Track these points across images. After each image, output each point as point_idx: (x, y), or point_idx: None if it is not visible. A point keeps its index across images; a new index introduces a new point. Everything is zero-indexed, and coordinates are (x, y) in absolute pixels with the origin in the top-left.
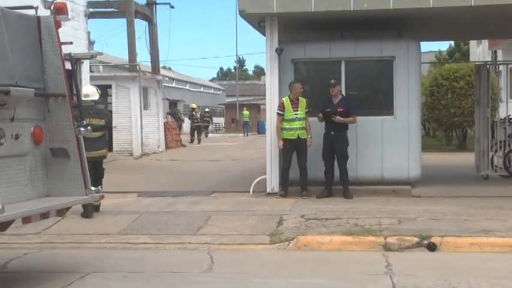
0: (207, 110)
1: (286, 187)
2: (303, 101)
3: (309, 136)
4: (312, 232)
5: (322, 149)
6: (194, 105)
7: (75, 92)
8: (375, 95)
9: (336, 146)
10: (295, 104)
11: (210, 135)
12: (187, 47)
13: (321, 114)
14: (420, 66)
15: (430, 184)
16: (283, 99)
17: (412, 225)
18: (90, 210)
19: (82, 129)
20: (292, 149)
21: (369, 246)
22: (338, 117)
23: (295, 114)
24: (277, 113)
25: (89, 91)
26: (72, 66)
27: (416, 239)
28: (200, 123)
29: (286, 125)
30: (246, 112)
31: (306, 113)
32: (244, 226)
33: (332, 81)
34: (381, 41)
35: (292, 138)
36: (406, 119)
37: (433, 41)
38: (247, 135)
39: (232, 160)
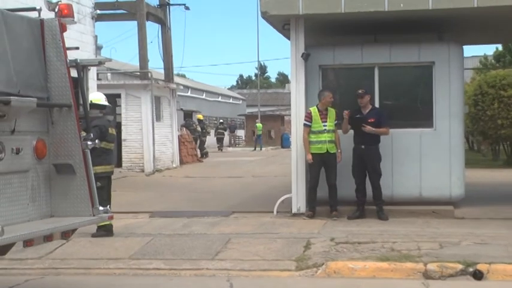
0: (221, 121)
1: (313, 207)
2: (332, 112)
3: (339, 151)
4: (343, 257)
5: (352, 165)
6: (200, 116)
7: (81, 101)
8: (413, 105)
9: (368, 161)
10: (323, 115)
11: (229, 149)
12: (203, 52)
13: (344, 124)
14: (463, 72)
15: (475, 204)
16: (311, 109)
17: (455, 250)
18: (108, 228)
19: (89, 142)
20: (320, 165)
21: (406, 274)
22: (369, 126)
23: (324, 125)
24: (304, 124)
25: (98, 96)
26: (78, 73)
27: (460, 266)
28: (198, 136)
29: (313, 138)
30: (259, 125)
31: (335, 125)
32: (268, 250)
33: (360, 91)
34: (419, 44)
35: (320, 152)
36: (447, 131)
37: (478, 45)
38: (260, 149)
39: (253, 177)
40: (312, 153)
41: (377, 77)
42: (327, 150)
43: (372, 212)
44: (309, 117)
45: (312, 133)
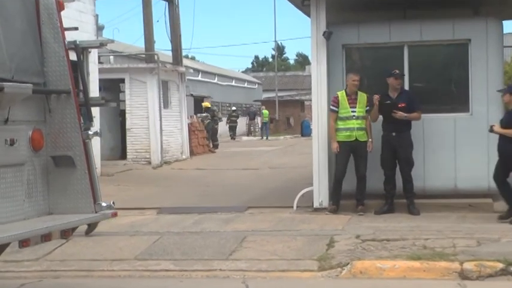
0: (234, 108)
1: (338, 201)
2: (363, 97)
3: (370, 140)
4: (370, 256)
5: (381, 154)
6: (207, 104)
7: (81, 87)
8: (446, 88)
9: (399, 150)
10: (352, 100)
11: (244, 138)
12: (215, 32)
13: (375, 111)
14: (502, 51)
15: None
16: (338, 93)
17: (494, 247)
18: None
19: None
20: (348, 154)
21: (441, 274)
22: (400, 112)
23: (352, 111)
24: (331, 109)
25: None
26: (77, 56)
27: (500, 265)
28: (210, 123)
29: (340, 125)
30: (265, 111)
31: (366, 111)
32: (287, 249)
33: (397, 71)
34: (453, 20)
35: (348, 140)
36: (485, 116)
37: None
38: (266, 138)
39: (270, 168)
40: (339, 142)
41: (406, 57)
42: (356, 138)
43: (401, 206)
44: (335, 101)
45: (339, 119)
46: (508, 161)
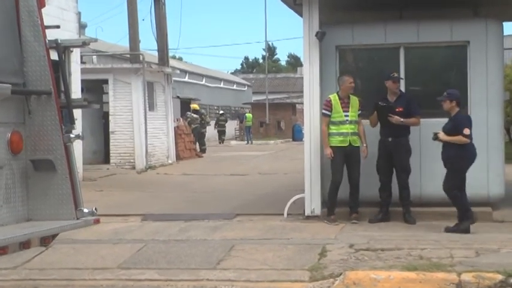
0: (221, 112)
1: (334, 209)
2: (354, 100)
3: (364, 145)
4: (364, 266)
5: (377, 160)
6: (196, 106)
7: (63, 88)
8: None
9: (395, 156)
10: (345, 103)
11: (232, 142)
12: (203, 32)
13: (374, 116)
14: (503, 53)
15: None
16: (331, 96)
17: (494, 258)
18: None
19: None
20: (342, 160)
21: (438, 285)
22: (396, 117)
23: (345, 115)
24: (323, 113)
25: None
26: (59, 56)
27: (499, 277)
28: (197, 127)
29: (333, 129)
30: (249, 115)
31: (358, 115)
32: (278, 258)
33: (396, 74)
34: (452, 21)
35: (342, 145)
36: (484, 121)
37: None
38: (251, 143)
39: (260, 174)
40: (333, 147)
41: (403, 59)
42: (350, 143)
43: (397, 214)
44: (328, 105)
45: (331, 124)
46: (454, 168)
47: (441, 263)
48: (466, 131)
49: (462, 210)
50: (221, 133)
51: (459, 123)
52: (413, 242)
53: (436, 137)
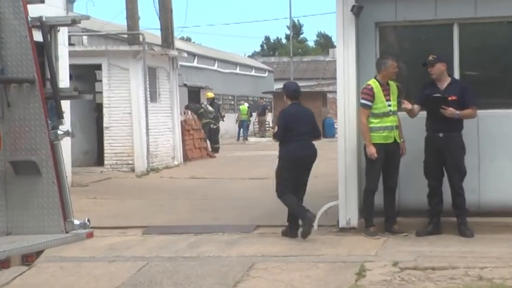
0: (246, 104)
1: (372, 219)
2: (394, 87)
3: (402, 140)
4: None
5: (425, 160)
6: (211, 94)
7: (48, 75)
8: (507, 77)
9: (447, 155)
10: (386, 91)
11: (252, 139)
12: (214, 7)
13: (411, 106)
14: None
15: None
16: (371, 83)
17: None
18: None
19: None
20: (382, 160)
21: None
22: (451, 108)
23: (388, 105)
24: (363, 105)
25: None
26: (43, 36)
27: None
28: (210, 121)
29: (376, 123)
30: (243, 107)
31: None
32: (307, 279)
33: (431, 57)
34: None
35: (386, 142)
36: None
37: None
38: (244, 139)
39: None
40: (375, 144)
41: (457, 39)
42: (395, 140)
43: (450, 225)
44: (369, 94)
45: (373, 116)
46: None
47: (505, 285)
48: None
49: None
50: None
51: None
52: (471, 260)
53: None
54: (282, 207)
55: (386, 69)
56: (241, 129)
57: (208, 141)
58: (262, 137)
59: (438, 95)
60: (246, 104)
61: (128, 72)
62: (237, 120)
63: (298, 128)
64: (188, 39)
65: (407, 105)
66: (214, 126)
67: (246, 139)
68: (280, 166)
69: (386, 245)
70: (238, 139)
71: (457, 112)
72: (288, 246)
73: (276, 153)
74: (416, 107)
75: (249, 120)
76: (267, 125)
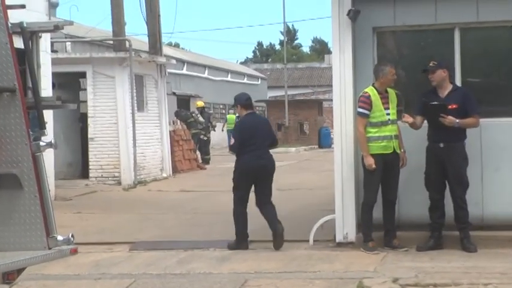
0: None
1: (371, 233)
2: (393, 94)
3: (402, 150)
4: None
5: (425, 171)
6: (201, 103)
7: (30, 84)
8: (511, 84)
9: (449, 165)
10: (385, 99)
11: None
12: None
13: (412, 120)
14: None
15: None
16: (368, 90)
17: None
18: None
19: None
20: (381, 172)
21: None
22: (450, 117)
23: (387, 113)
24: (360, 113)
25: None
26: (24, 43)
27: None
28: (200, 132)
29: (374, 132)
30: (231, 116)
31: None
32: None
33: (431, 63)
34: None
35: (385, 152)
36: None
37: None
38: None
39: (279, 190)
40: (373, 155)
41: (458, 44)
42: (394, 150)
43: (452, 239)
44: (367, 102)
45: (371, 125)
46: None
47: None
48: None
49: None
50: None
51: None
52: (475, 276)
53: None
54: None
55: (384, 76)
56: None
57: (198, 153)
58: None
59: (435, 102)
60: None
61: (114, 80)
62: (222, 130)
63: (255, 138)
64: (176, 45)
65: (407, 118)
66: (205, 138)
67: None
68: (235, 177)
69: (386, 261)
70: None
71: (457, 121)
72: (283, 262)
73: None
74: (419, 118)
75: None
76: None
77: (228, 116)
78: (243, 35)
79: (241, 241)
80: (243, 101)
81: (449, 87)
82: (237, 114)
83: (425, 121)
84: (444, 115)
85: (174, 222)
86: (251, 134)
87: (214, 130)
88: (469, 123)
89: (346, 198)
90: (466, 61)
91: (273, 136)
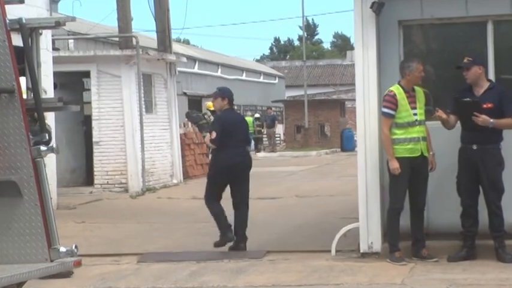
0: (257, 115)
1: (398, 243)
2: (420, 93)
3: (431, 153)
4: None
5: (457, 175)
6: (211, 105)
7: (30, 84)
8: None
9: (482, 169)
10: (411, 98)
11: (259, 154)
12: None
13: (445, 115)
14: None
15: None
16: (393, 89)
17: None
18: None
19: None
20: (407, 176)
21: None
22: (484, 116)
23: (414, 114)
24: (385, 114)
25: None
26: (24, 41)
27: None
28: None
29: (400, 134)
30: (248, 118)
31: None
32: None
33: (466, 59)
34: None
35: (412, 156)
36: None
37: None
38: (259, 151)
39: (298, 197)
40: (399, 158)
41: (491, 38)
42: (422, 153)
43: (486, 249)
44: (392, 101)
45: (397, 127)
46: None
47: None
48: None
49: None
50: (258, 141)
51: None
52: None
53: None
54: (295, 230)
55: (411, 73)
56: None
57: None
58: (273, 151)
59: (468, 99)
60: (257, 115)
61: (120, 80)
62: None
63: (235, 134)
64: (186, 42)
65: (441, 114)
66: None
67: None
68: (212, 173)
69: (414, 272)
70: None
71: (491, 120)
72: (302, 274)
73: (289, 169)
74: (452, 117)
75: (258, 133)
76: (277, 138)
77: (246, 118)
78: (259, 30)
79: (225, 232)
80: (231, 95)
81: (486, 85)
82: (255, 116)
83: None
84: (477, 114)
85: (185, 231)
86: (232, 130)
87: None
88: (505, 124)
89: (370, 205)
90: (500, 56)
91: (249, 136)
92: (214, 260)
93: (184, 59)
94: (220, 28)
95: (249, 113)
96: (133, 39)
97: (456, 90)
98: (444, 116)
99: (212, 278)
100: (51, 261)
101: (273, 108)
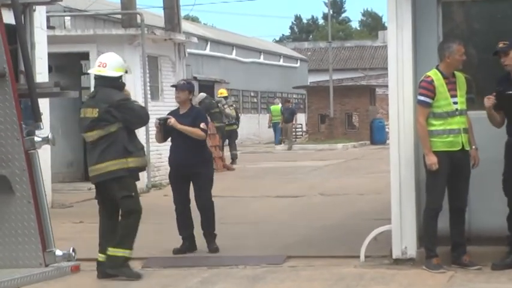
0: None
1: (435, 248)
2: (461, 79)
3: (474, 147)
4: None
5: (504, 172)
6: (224, 91)
7: (22, 67)
8: None
9: None
10: (451, 84)
11: (278, 147)
12: None
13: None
14: None
15: None
16: (431, 74)
17: None
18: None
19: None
20: (446, 173)
21: None
22: None
23: (454, 102)
24: (421, 102)
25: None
26: (15, 18)
27: None
28: (234, 123)
29: (438, 125)
30: (275, 107)
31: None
32: None
33: (501, 44)
34: None
35: (452, 150)
36: None
37: None
38: (280, 143)
39: (323, 195)
40: (437, 152)
41: None
42: (463, 147)
43: None
44: (429, 88)
45: (434, 117)
46: None
47: None
48: None
49: None
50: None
51: None
52: None
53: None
54: (319, 233)
55: (451, 56)
56: (275, 134)
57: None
58: (289, 149)
59: (510, 92)
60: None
61: None
62: (269, 126)
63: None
64: (197, 20)
65: (489, 101)
66: (235, 127)
67: (280, 143)
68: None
69: (454, 282)
70: (277, 143)
71: None
72: (328, 282)
73: (312, 164)
74: (499, 113)
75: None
76: (299, 130)
77: (271, 108)
78: (279, 7)
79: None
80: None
81: None
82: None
83: None
84: None
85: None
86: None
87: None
88: None
89: (404, 205)
90: None
91: None
92: (228, 266)
93: (195, 40)
94: (234, 4)
95: (275, 101)
96: (138, 17)
97: (496, 79)
98: (491, 102)
99: (226, 286)
100: (46, 265)
101: (291, 101)
